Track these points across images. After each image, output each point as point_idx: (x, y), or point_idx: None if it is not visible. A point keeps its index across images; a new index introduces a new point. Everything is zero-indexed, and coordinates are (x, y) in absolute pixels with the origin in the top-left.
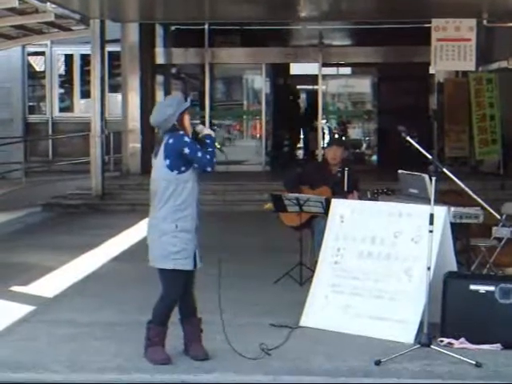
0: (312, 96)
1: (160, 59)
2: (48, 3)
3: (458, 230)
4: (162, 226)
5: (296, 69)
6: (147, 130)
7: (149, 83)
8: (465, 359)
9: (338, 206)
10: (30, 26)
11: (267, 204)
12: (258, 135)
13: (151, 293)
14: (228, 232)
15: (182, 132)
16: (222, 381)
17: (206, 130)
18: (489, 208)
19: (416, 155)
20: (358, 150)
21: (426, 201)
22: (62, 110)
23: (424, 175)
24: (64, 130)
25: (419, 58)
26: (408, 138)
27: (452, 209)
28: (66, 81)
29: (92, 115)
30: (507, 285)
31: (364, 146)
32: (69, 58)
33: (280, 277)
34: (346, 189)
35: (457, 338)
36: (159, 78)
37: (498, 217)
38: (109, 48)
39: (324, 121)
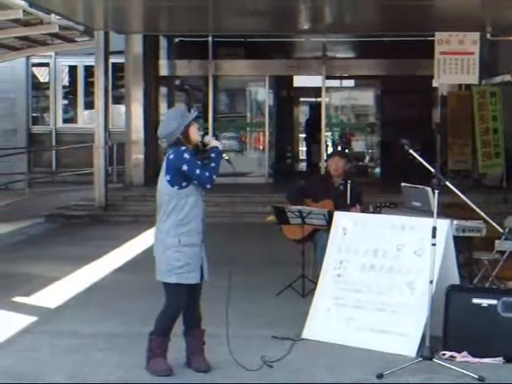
0: (315, 108)
1: (164, 71)
2: (52, 14)
3: (461, 244)
4: (166, 241)
5: (299, 81)
6: (150, 142)
7: (152, 95)
8: (467, 373)
9: (341, 218)
10: (35, 38)
11: (270, 216)
12: (261, 147)
13: (154, 304)
14: (231, 244)
15: (183, 147)
16: None
17: (214, 142)
18: (491, 221)
19: (419, 168)
20: (361, 163)
21: (429, 214)
22: (65, 120)
23: (427, 188)
24: (67, 140)
25: (422, 71)
26: (411, 151)
27: (455, 222)
28: (70, 92)
29: (96, 126)
30: (510, 298)
31: (367, 158)
32: (73, 70)
33: (282, 289)
34: (348, 202)
35: (459, 352)
36: (163, 90)
37: (501, 230)
38: (113, 59)
39: (328, 133)
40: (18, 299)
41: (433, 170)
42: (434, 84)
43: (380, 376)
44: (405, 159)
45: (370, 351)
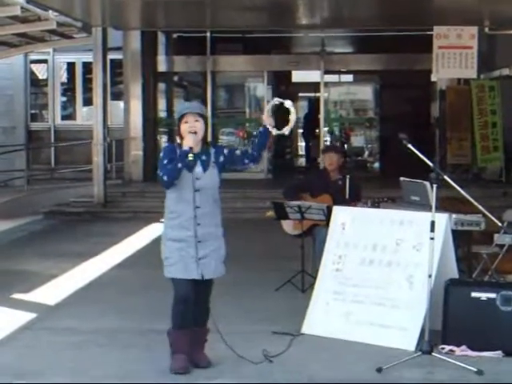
0: (314, 103)
1: (162, 67)
2: (50, 11)
3: (460, 238)
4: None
5: (298, 76)
6: (149, 138)
7: (151, 91)
8: (466, 366)
9: (340, 213)
10: (33, 34)
11: (269, 211)
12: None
13: (154, 300)
14: (230, 239)
15: (168, 144)
16: None
17: (268, 120)
18: (490, 215)
19: (418, 162)
20: (359, 158)
21: (428, 208)
22: (64, 117)
23: (425, 182)
24: (66, 137)
25: (421, 65)
26: (409, 146)
27: (453, 216)
28: (69, 89)
29: (94, 123)
30: (508, 292)
31: (366, 153)
32: (71, 66)
33: (282, 284)
34: (347, 196)
35: (458, 346)
36: (161, 86)
37: (500, 224)
38: (111, 56)
39: (326, 128)
40: (18, 296)
41: (431, 164)
42: (433, 78)
43: (379, 370)
44: (404, 153)
45: (369, 345)
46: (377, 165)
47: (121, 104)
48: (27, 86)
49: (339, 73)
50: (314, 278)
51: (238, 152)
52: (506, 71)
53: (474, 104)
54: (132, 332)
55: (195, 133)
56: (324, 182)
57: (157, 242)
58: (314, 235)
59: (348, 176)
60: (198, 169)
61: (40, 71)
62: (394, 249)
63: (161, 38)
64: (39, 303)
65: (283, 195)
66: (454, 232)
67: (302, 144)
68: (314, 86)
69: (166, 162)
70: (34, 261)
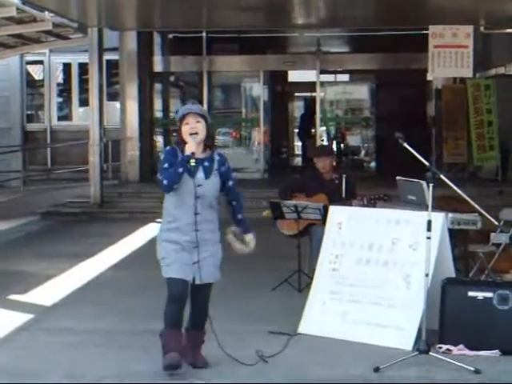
0: (310, 103)
1: (158, 67)
2: (46, 12)
3: (456, 237)
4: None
5: (294, 76)
6: (145, 138)
7: (147, 91)
8: (463, 366)
9: (336, 212)
10: (28, 35)
11: (266, 211)
12: (256, 142)
13: (150, 300)
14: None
15: (170, 147)
16: None
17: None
18: (486, 214)
19: (414, 162)
20: (356, 157)
21: (424, 207)
22: (60, 118)
23: (422, 182)
24: (62, 138)
25: (417, 64)
26: (405, 145)
27: (450, 215)
28: (65, 89)
29: (90, 123)
30: (505, 291)
31: (362, 152)
32: (67, 67)
33: (278, 284)
34: (343, 195)
35: (455, 345)
36: (157, 86)
37: (496, 223)
38: (107, 56)
39: (323, 128)
40: (14, 297)
41: (427, 163)
42: (429, 77)
43: (376, 370)
44: (400, 153)
45: (366, 345)
46: (373, 164)
47: (117, 104)
48: (23, 87)
49: (335, 72)
50: (311, 277)
51: (230, 183)
52: (501, 70)
53: (469, 103)
54: (129, 332)
55: (196, 133)
56: (319, 182)
57: (153, 242)
58: (311, 235)
59: (344, 175)
60: (200, 175)
61: (36, 72)
62: (390, 248)
63: (157, 39)
64: (36, 304)
65: (278, 195)
66: (450, 231)
67: (298, 144)
68: (310, 86)
69: (166, 165)
70: (30, 261)
